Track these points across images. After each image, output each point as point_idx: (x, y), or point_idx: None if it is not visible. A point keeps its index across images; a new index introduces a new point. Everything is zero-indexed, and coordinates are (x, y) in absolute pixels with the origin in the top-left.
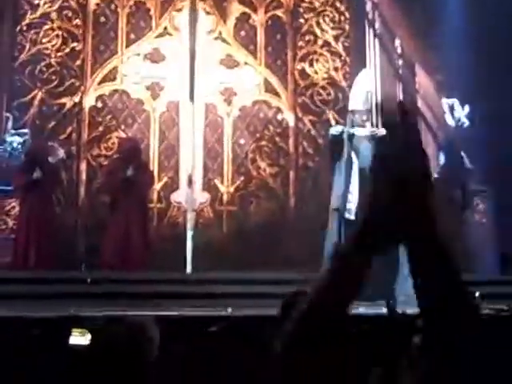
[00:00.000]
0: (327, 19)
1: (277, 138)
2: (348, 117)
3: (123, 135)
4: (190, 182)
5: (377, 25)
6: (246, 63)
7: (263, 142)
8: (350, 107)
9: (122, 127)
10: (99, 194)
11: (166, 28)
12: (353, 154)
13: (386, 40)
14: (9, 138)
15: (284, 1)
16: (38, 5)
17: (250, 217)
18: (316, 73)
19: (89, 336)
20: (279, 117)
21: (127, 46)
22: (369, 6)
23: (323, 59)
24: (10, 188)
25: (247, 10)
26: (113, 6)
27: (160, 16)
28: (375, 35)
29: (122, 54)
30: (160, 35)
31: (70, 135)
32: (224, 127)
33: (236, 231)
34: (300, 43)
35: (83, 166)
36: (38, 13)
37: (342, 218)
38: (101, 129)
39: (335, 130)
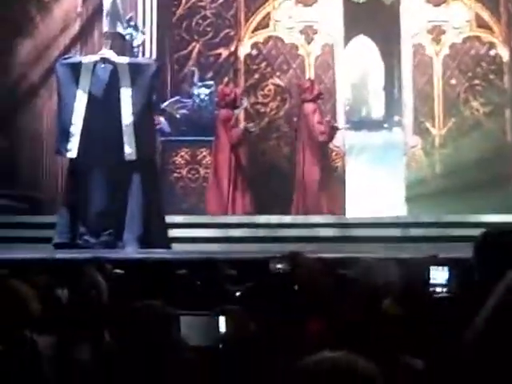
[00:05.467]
0: None
1: (490, 76)
2: None
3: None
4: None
5: None
6: None
7: (476, 81)
8: None
9: (278, 73)
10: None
11: None
12: None
13: None
14: (196, 91)
15: None
16: None
17: (463, 158)
18: None
19: None
20: (492, 52)
21: None
22: None
23: None
24: (201, 138)
25: None
26: None
27: None
28: None
29: (273, 0)
30: None
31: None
32: (433, 68)
33: (449, 172)
34: None
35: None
36: None
37: None
38: (256, 76)
39: None
